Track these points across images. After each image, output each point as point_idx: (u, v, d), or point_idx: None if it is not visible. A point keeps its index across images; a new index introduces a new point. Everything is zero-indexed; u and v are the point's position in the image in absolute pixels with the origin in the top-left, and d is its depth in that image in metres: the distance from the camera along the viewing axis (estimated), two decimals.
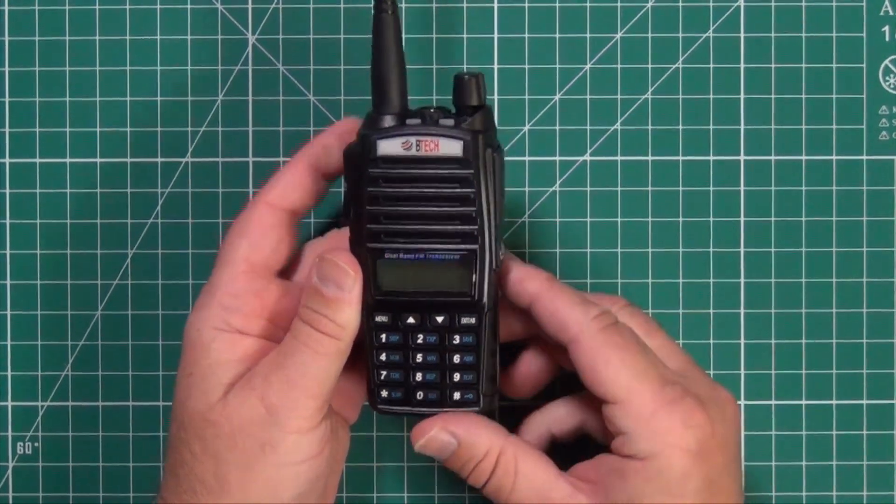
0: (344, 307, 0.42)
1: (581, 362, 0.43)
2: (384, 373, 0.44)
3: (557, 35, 0.52)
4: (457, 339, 0.43)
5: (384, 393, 0.44)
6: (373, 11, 0.42)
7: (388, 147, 0.42)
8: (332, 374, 0.42)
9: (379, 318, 0.43)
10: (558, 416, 0.47)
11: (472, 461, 0.44)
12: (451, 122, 0.42)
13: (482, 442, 0.43)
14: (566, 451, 0.48)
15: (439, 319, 0.43)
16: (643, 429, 0.41)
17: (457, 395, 0.44)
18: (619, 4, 0.51)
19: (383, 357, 0.44)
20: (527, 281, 0.44)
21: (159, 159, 0.52)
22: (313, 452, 0.42)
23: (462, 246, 0.42)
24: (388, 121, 0.42)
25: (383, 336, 0.44)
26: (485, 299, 0.43)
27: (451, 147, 0.41)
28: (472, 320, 0.43)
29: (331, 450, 0.43)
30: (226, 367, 0.43)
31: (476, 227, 0.42)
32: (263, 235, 0.44)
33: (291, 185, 0.45)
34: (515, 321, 0.46)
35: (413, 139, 0.42)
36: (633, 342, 0.43)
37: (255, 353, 0.43)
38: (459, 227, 0.42)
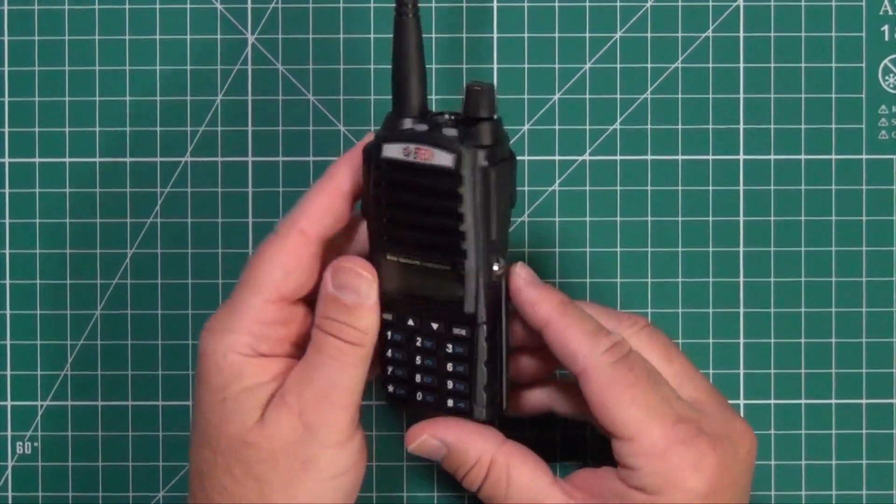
0: (364, 313, 0.42)
1: (590, 397, 0.42)
2: (390, 368, 0.44)
3: (557, 35, 0.52)
4: (450, 348, 0.43)
5: (391, 388, 0.45)
6: (394, 14, 0.42)
7: (391, 151, 0.41)
8: (361, 381, 0.42)
9: (385, 316, 0.43)
10: (562, 398, 0.47)
11: (464, 467, 0.43)
12: (454, 132, 0.41)
13: (473, 449, 0.43)
14: (572, 446, 0.48)
15: (434, 326, 0.43)
16: (652, 467, 0.41)
17: (450, 403, 0.44)
18: (618, 4, 0.51)
19: (389, 353, 0.44)
20: (538, 305, 0.43)
21: (159, 159, 0.52)
22: (351, 464, 0.42)
23: (451, 257, 0.42)
24: (405, 123, 0.42)
25: (389, 333, 0.44)
26: (476, 312, 0.42)
27: (443, 158, 0.40)
28: (464, 332, 0.43)
29: (364, 458, 0.43)
30: (260, 390, 0.42)
31: (463, 241, 0.41)
32: (297, 266, 0.43)
33: (323, 210, 0.43)
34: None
35: (413, 146, 0.41)
36: (644, 377, 0.42)
37: (284, 371, 0.43)
38: (447, 238, 0.41)
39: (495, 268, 0.42)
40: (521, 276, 0.43)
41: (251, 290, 0.43)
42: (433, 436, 0.43)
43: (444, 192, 0.41)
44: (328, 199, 0.43)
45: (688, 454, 0.41)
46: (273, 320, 0.43)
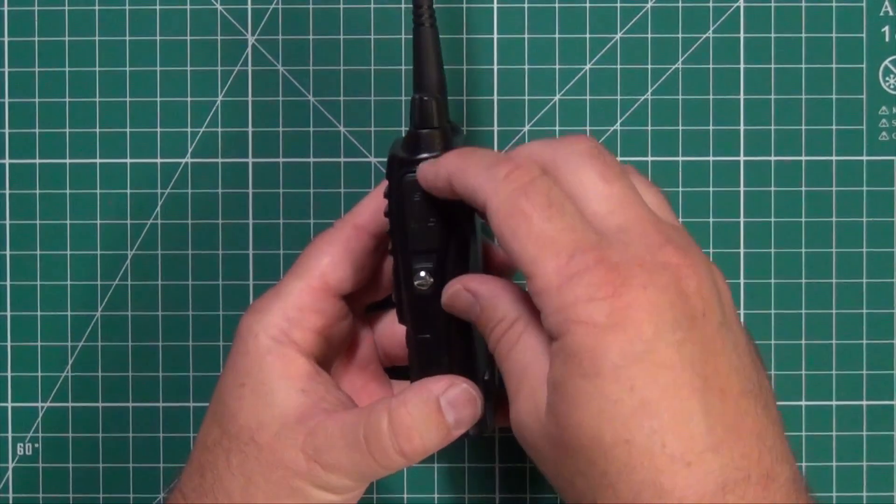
0: (443, 442, 0.41)
1: (495, 231, 0.37)
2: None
3: (557, 35, 0.52)
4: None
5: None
6: (412, 24, 0.42)
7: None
8: (382, 476, 0.42)
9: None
10: None
11: (490, 323, 0.40)
12: (402, 139, 0.43)
13: (500, 307, 0.40)
14: None
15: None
16: (550, 306, 0.35)
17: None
18: (618, 5, 0.51)
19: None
20: (439, 167, 0.40)
21: (159, 160, 0.52)
22: (341, 502, 0.42)
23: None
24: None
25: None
26: (405, 319, 0.43)
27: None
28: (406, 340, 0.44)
29: (359, 497, 0.44)
30: (278, 386, 0.42)
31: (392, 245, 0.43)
32: (346, 257, 0.44)
33: (379, 209, 0.44)
34: None
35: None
36: (544, 205, 0.36)
37: (305, 374, 0.43)
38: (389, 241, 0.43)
39: (421, 275, 0.42)
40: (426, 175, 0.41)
41: (296, 276, 0.44)
42: (465, 287, 0.41)
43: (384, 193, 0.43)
44: (382, 200, 0.44)
45: (581, 286, 0.35)
46: (311, 307, 0.43)
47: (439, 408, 0.41)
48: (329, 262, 0.43)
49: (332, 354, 0.45)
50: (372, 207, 0.45)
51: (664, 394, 0.34)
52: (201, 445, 0.43)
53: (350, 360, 0.47)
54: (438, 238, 0.42)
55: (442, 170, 0.40)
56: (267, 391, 0.42)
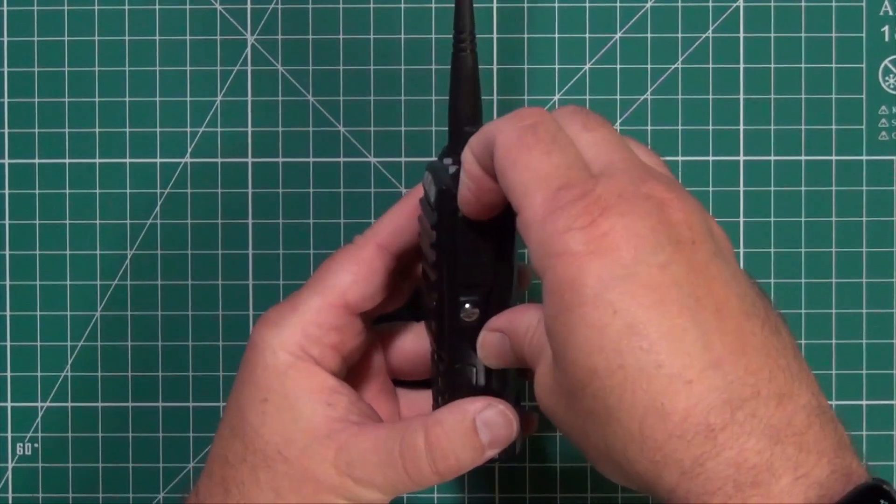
0: (477, 461, 0.41)
1: (497, 164, 0.37)
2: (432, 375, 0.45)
3: (557, 35, 0.52)
4: (437, 378, 0.44)
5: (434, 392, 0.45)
6: (453, 49, 0.42)
7: (426, 178, 0.42)
8: (413, 491, 0.42)
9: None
10: None
11: (520, 342, 0.40)
12: (449, 165, 0.41)
13: (522, 324, 0.39)
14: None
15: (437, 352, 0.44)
16: (534, 241, 0.35)
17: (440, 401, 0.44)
18: (618, 4, 0.51)
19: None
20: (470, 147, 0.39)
21: (159, 160, 0.52)
22: None
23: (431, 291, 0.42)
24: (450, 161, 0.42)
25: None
26: (441, 349, 0.43)
27: (432, 192, 0.41)
28: (439, 366, 0.44)
29: None
30: (304, 401, 0.42)
31: (431, 273, 0.42)
32: (368, 277, 0.43)
33: (401, 228, 0.44)
34: None
35: (428, 174, 0.42)
36: (546, 140, 0.36)
37: (329, 388, 0.42)
38: (428, 266, 0.42)
39: (466, 307, 0.42)
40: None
41: (315, 291, 0.43)
42: (488, 330, 0.41)
43: (428, 221, 0.42)
44: (405, 218, 0.44)
45: (562, 218, 0.34)
46: (330, 325, 0.43)
47: (475, 427, 0.40)
48: (351, 280, 0.43)
49: (345, 369, 0.45)
50: (394, 227, 0.44)
51: (649, 313, 0.33)
52: (222, 460, 0.43)
53: (359, 371, 0.47)
54: (490, 274, 0.41)
55: (475, 149, 0.38)
56: (291, 406, 0.42)
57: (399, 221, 0.44)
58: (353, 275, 0.43)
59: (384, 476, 0.41)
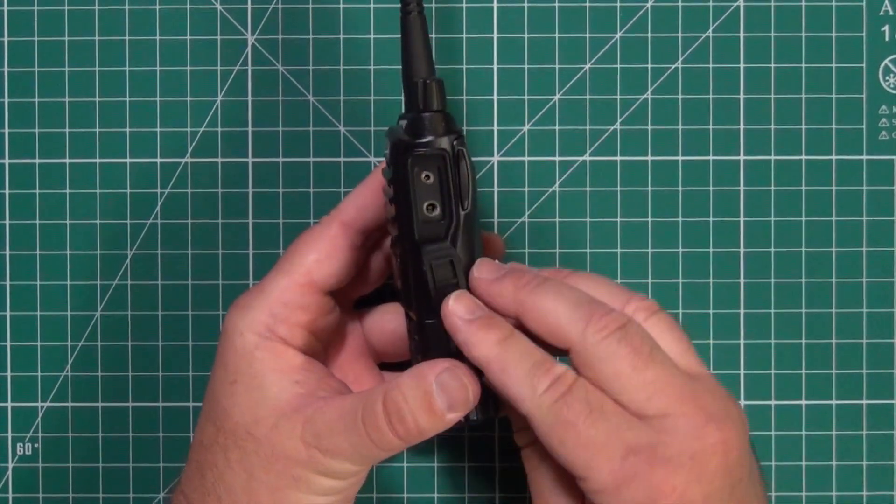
0: (437, 425, 0.41)
1: (541, 439, 0.40)
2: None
3: (557, 35, 0.52)
4: (415, 338, 0.43)
5: None
6: (400, 13, 0.42)
7: (386, 146, 0.43)
8: (382, 458, 0.42)
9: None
10: None
11: (517, 424, 0.43)
12: (404, 124, 0.42)
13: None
14: None
15: (410, 315, 0.44)
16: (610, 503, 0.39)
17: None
18: (618, 4, 0.51)
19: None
20: (474, 348, 0.40)
21: (159, 160, 0.52)
22: (343, 487, 0.42)
23: (396, 248, 0.43)
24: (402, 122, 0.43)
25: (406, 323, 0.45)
26: (411, 301, 0.42)
27: (387, 149, 0.42)
28: (409, 323, 0.43)
29: (360, 484, 0.43)
30: (271, 380, 0.42)
31: (395, 228, 0.42)
32: (332, 254, 0.44)
33: (366, 205, 0.44)
34: None
35: (386, 140, 0.43)
36: (584, 413, 0.39)
37: (297, 366, 0.43)
38: (394, 227, 0.43)
39: (425, 264, 0.42)
40: (457, 313, 0.41)
41: (281, 272, 0.44)
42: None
43: (387, 180, 0.42)
44: (370, 194, 0.44)
45: (640, 489, 0.38)
46: (296, 303, 0.43)
47: (431, 391, 0.41)
48: (315, 258, 0.44)
49: (319, 349, 0.45)
50: (358, 204, 0.45)
51: None
52: (198, 445, 0.43)
53: (340, 355, 0.47)
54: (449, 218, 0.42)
55: (478, 357, 0.40)
56: (259, 385, 0.42)
57: (364, 198, 0.45)
58: (318, 252, 0.44)
59: (350, 444, 0.41)
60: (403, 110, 0.43)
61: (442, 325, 0.42)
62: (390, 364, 0.49)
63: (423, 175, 0.41)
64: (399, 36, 0.42)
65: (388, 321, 0.48)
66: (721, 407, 0.40)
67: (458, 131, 0.42)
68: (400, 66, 0.43)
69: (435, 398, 0.40)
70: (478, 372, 0.41)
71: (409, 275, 0.42)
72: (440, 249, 0.41)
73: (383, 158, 0.44)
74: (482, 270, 0.42)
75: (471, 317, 0.41)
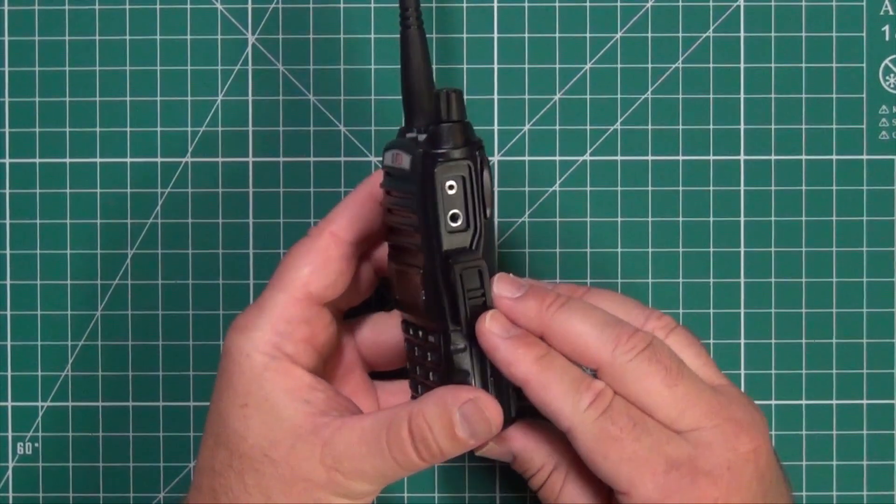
0: (462, 449, 0.41)
1: (582, 454, 0.41)
2: (408, 363, 0.45)
3: (557, 35, 0.52)
4: (429, 357, 0.43)
5: (411, 387, 0.45)
6: (399, 27, 0.42)
7: (387, 158, 0.43)
8: (403, 477, 0.42)
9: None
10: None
11: (528, 472, 0.44)
12: (416, 135, 0.42)
13: (537, 458, 0.43)
14: None
15: (419, 334, 0.43)
16: None
17: None
18: (618, 4, 0.51)
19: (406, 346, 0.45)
20: (513, 365, 0.41)
21: (159, 159, 0.52)
22: None
23: (417, 259, 0.42)
24: (413, 132, 0.42)
25: (406, 340, 0.45)
26: (437, 316, 0.42)
27: (407, 161, 0.41)
28: (431, 338, 0.43)
29: (372, 501, 0.43)
30: (283, 402, 0.42)
31: (420, 240, 0.42)
32: (326, 265, 0.43)
33: (356, 216, 0.44)
34: None
35: (395, 151, 0.42)
36: (629, 427, 0.40)
37: (306, 385, 0.42)
38: (413, 240, 0.42)
39: (453, 274, 0.41)
40: (494, 331, 0.41)
41: (278, 288, 0.43)
42: (500, 443, 0.43)
43: (407, 194, 0.42)
44: (360, 203, 0.44)
45: (685, 501, 0.39)
46: (299, 318, 0.43)
47: (453, 422, 0.41)
48: (309, 271, 0.43)
49: (321, 365, 0.45)
50: (349, 214, 0.44)
51: None
52: (209, 470, 0.43)
53: (335, 367, 0.47)
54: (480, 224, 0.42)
55: (518, 374, 0.41)
56: (271, 407, 0.42)
57: (353, 210, 0.44)
58: (311, 265, 0.43)
59: (373, 466, 0.41)
60: (403, 123, 0.43)
61: (461, 334, 0.42)
62: (382, 374, 0.49)
63: (448, 185, 0.41)
64: (399, 42, 0.43)
65: (381, 332, 0.48)
66: (747, 415, 0.41)
67: (479, 140, 0.42)
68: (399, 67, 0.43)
69: (458, 428, 0.41)
70: (497, 385, 0.42)
71: (431, 286, 0.42)
72: (468, 259, 0.41)
73: (372, 175, 0.44)
74: (502, 287, 0.42)
75: (507, 335, 0.41)
